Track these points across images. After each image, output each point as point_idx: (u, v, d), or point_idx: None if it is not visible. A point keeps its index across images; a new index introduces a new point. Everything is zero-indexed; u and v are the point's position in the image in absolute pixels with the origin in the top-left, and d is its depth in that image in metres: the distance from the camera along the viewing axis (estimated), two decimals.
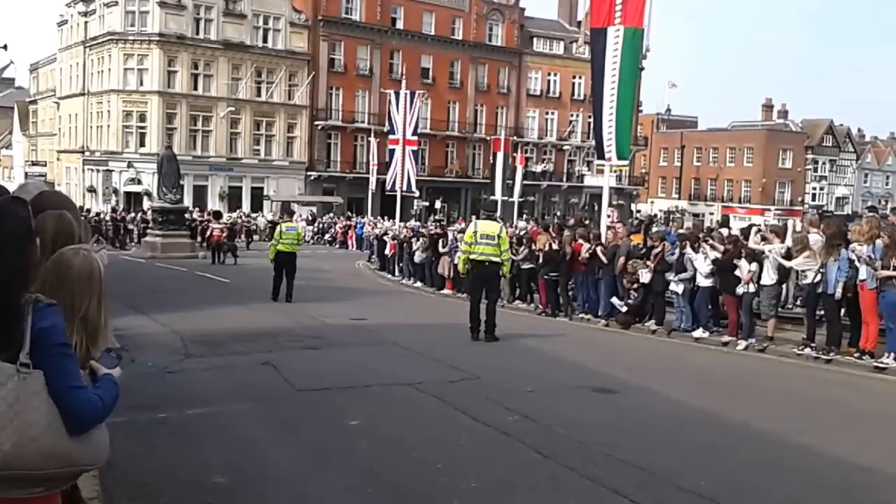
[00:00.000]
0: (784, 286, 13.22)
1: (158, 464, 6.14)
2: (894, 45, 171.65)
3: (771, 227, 14.69)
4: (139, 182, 49.46)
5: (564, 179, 65.41)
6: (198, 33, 50.62)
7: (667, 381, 9.99)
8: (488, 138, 57.11)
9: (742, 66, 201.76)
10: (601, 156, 18.69)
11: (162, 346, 11.33)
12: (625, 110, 17.64)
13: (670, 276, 13.93)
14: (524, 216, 42.57)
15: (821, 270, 11.50)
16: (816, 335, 11.76)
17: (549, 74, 64.45)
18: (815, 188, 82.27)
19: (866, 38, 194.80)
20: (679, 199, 77.96)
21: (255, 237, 41.21)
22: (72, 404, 2.55)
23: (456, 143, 60.99)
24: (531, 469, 6.14)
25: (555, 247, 16.20)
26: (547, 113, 64.90)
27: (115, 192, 50.10)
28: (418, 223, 31.81)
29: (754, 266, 12.32)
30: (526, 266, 17.50)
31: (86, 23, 53.91)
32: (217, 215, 33.47)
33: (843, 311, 11.63)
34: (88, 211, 39.00)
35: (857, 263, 11.02)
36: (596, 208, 54.12)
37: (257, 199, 52.81)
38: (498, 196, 41.00)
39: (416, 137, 35.39)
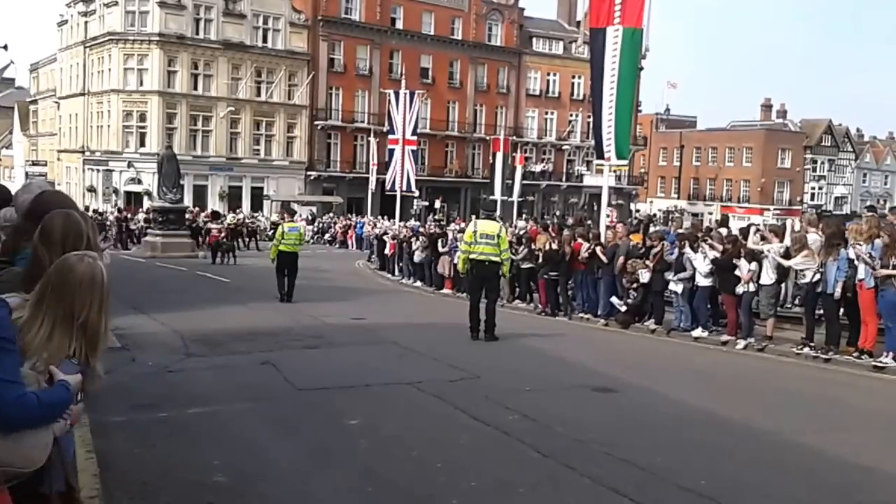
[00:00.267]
0: (783, 285, 13.24)
1: (159, 463, 6.15)
2: (893, 45, 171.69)
3: (770, 226, 14.71)
4: (139, 182, 49.46)
5: (564, 179, 65.42)
6: (198, 33, 50.62)
7: (666, 380, 10.00)
8: (488, 138, 57.10)
9: (741, 66, 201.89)
10: (600, 155, 18.70)
11: (162, 345, 11.34)
12: (624, 110, 17.65)
13: (669, 275, 13.95)
14: (523, 216, 42.59)
15: (820, 270, 11.51)
16: (815, 334, 11.78)
17: (548, 74, 64.46)
18: (813, 188, 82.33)
19: (865, 39, 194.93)
20: (678, 198, 78.01)
21: (257, 237, 41.14)
22: None
23: (455, 143, 61.00)
24: (531, 468, 6.15)
25: (554, 246, 16.21)
26: (546, 113, 64.90)
27: (116, 191, 50.13)
28: (418, 223, 31.82)
29: (754, 265, 12.34)
30: (525, 266, 17.51)
31: (86, 23, 53.91)
32: (215, 215, 33.43)
33: (841, 310, 11.64)
34: (96, 211, 38.99)
35: (856, 262, 11.03)
36: (595, 208, 54.15)
37: (257, 198, 52.82)
38: (497, 196, 40.99)
39: (415, 137, 35.42)
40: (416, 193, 39.96)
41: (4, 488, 2.63)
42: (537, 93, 64.13)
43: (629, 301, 14.75)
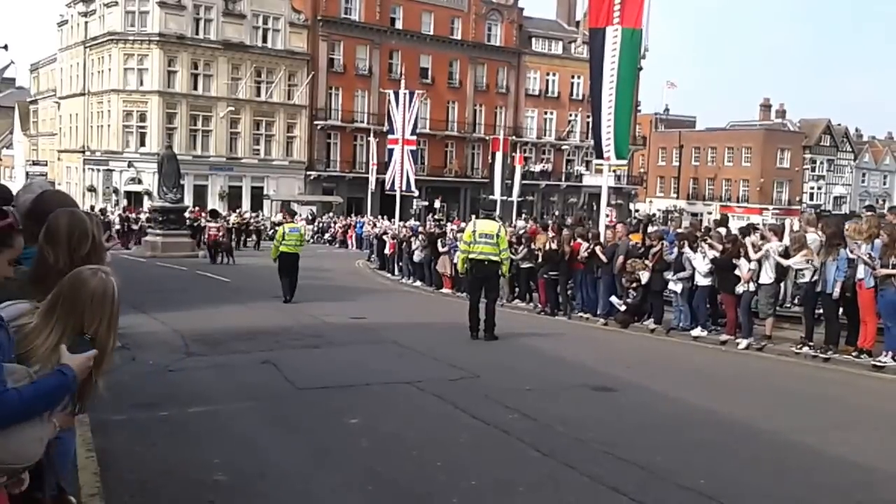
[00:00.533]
0: (782, 285, 13.25)
1: (159, 462, 6.16)
2: (893, 45, 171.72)
3: (769, 226, 14.72)
4: (139, 182, 49.49)
5: (563, 179, 65.44)
6: (197, 33, 50.64)
7: (666, 379, 10.02)
8: (487, 138, 57.12)
9: (740, 66, 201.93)
10: (600, 155, 18.70)
11: (162, 344, 11.34)
12: (623, 110, 17.65)
13: (669, 275, 13.96)
14: (523, 216, 42.60)
15: (815, 266, 11.51)
16: (815, 334, 11.79)
17: (547, 74, 64.47)
18: (812, 188, 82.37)
19: (864, 39, 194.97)
20: (677, 198, 78.02)
21: (260, 237, 41.14)
22: None
23: (455, 143, 61.00)
24: (531, 467, 6.16)
25: (554, 246, 16.22)
26: (546, 113, 64.92)
27: (116, 191, 50.16)
28: (417, 223, 31.83)
29: (754, 264, 12.35)
30: (525, 265, 17.52)
31: (86, 23, 53.93)
32: (213, 214, 33.38)
33: (840, 309, 11.65)
34: (102, 210, 38.97)
35: (855, 262, 11.03)
36: (594, 208, 54.19)
37: (257, 198, 52.84)
38: (497, 196, 41.01)
39: (414, 137, 35.41)
40: (416, 193, 39.96)
41: (3, 489, 2.62)
42: (537, 93, 64.15)
43: (628, 300, 14.76)
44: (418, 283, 23.11)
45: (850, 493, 5.94)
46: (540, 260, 16.72)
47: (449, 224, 28.45)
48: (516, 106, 63.27)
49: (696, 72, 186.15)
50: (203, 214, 36.63)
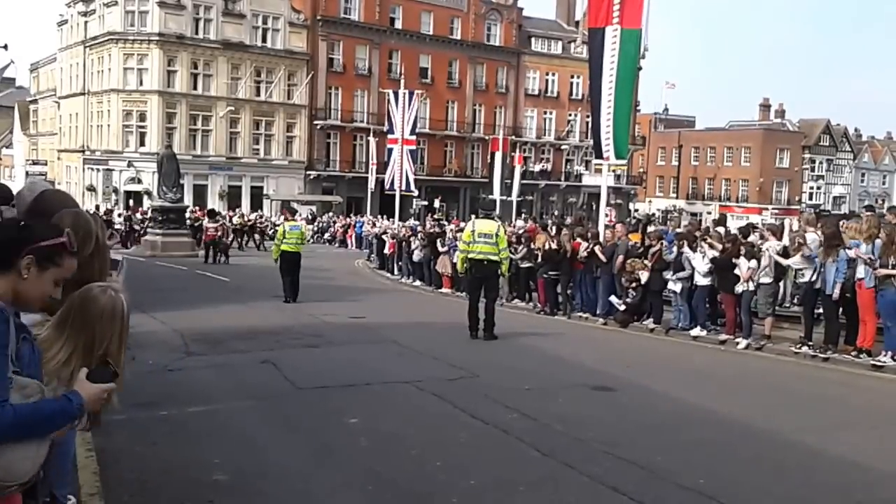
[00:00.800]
0: (781, 284, 13.26)
1: (159, 461, 6.16)
2: (892, 45, 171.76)
3: (767, 226, 14.73)
4: (139, 181, 49.49)
5: (562, 179, 65.45)
6: (197, 33, 50.64)
7: (665, 379, 10.02)
8: (487, 138, 57.15)
9: (740, 66, 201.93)
10: (599, 155, 18.71)
11: (162, 344, 11.33)
12: (623, 110, 17.65)
13: (668, 274, 13.96)
14: (522, 215, 42.60)
15: (819, 270, 11.52)
16: (814, 333, 11.79)
17: (547, 74, 64.48)
18: (812, 187, 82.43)
19: (864, 39, 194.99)
20: (677, 198, 78.05)
21: (264, 237, 41.13)
22: None
23: (454, 143, 61.00)
24: (530, 467, 6.16)
25: (553, 246, 16.22)
26: (545, 112, 64.93)
27: (115, 191, 50.17)
28: (417, 222, 31.83)
29: (754, 263, 12.35)
30: (525, 265, 17.53)
31: (86, 23, 53.93)
32: (211, 214, 33.32)
33: (840, 309, 11.65)
34: (107, 211, 38.93)
35: (855, 262, 11.03)
36: (594, 207, 54.20)
37: (257, 198, 52.83)
38: (496, 195, 41.04)
39: (414, 137, 35.41)
40: (416, 193, 39.97)
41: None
42: (536, 92, 64.17)
43: (628, 300, 14.77)
44: (418, 282, 23.12)
45: (849, 492, 5.95)
46: (539, 260, 16.73)
47: (450, 224, 28.43)
48: (516, 106, 63.27)
49: (696, 72, 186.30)
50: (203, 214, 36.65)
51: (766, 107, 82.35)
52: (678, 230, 16.74)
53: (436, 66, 58.68)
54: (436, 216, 36.63)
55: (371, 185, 48.99)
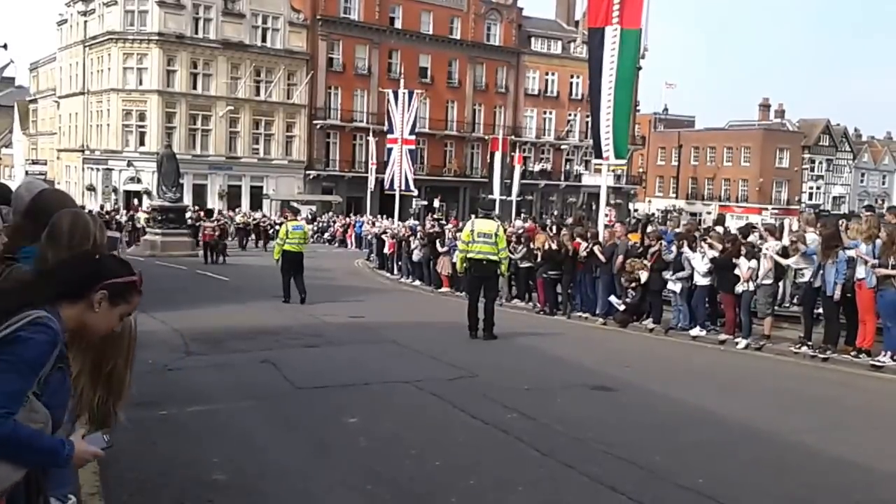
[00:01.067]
0: (780, 284, 13.26)
1: (159, 461, 6.15)
2: (892, 45, 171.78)
3: (765, 226, 14.74)
4: (139, 181, 49.49)
5: (562, 179, 65.48)
6: (197, 33, 50.64)
7: (664, 379, 10.02)
8: (486, 138, 57.17)
9: (740, 66, 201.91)
10: (599, 155, 18.73)
11: (162, 343, 11.32)
12: (622, 109, 17.67)
13: (668, 274, 13.97)
14: (522, 215, 42.62)
15: (819, 271, 11.52)
16: (813, 333, 11.79)
17: (546, 74, 64.50)
18: (811, 187, 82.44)
19: (864, 39, 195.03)
20: (676, 198, 78.06)
21: (268, 237, 41.18)
22: None
23: (454, 143, 61.02)
24: (529, 467, 6.16)
25: (554, 246, 16.22)
26: (545, 112, 64.94)
27: (115, 190, 50.16)
28: (417, 222, 31.84)
29: (754, 263, 12.35)
30: (524, 265, 17.53)
31: (85, 22, 53.94)
32: (209, 214, 33.33)
33: (840, 309, 11.65)
34: (112, 211, 38.94)
35: (855, 262, 11.04)
36: (594, 207, 54.19)
37: (256, 198, 52.84)
38: (496, 195, 41.05)
39: (414, 137, 35.44)
40: (415, 193, 39.97)
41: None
42: (536, 92, 64.19)
43: (627, 300, 14.77)
44: (417, 282, 23.13)
45: (848, 492, 5.95)
46: (539, 259, 16.73)
47: (447, 224, 28.43)
48: (515, 105, 63.29)
49: (696, 72, 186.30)
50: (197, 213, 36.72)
51: (765, 107, 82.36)
52: (677, 230, 16.74)
53: (435, 65, 58.69)
54: (435, 216, 36.68)
55: (371, 184, 49.02)
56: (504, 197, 44.23)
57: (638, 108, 60.30)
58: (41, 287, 2.61)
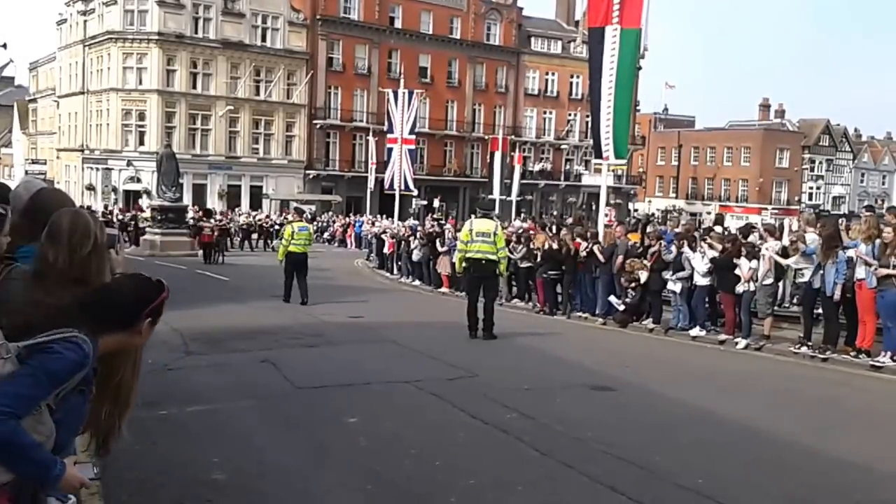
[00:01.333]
0: (780, 284, 13.26)
1: (158, 461, 6.15)
2: (892, 45, 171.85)
3: (765, 226, 14.74)
4: (138, 180, 49.48)
5: (562, 178, 65.46)
6: (196, 32, 50.63)
7: (664, 379, 10.02)
8: (486, 137, 57.15)
9: (739, 66, 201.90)
10: (599, 155, 18.73)
11: (162, 343, 11.29)
12: (622, 109, 17.66)
13: (668, 274, 13.97)
14: (522, 215, 42.62)
15: (819, 272, 11.51)
16: (813, 334, 11.79)
17: (546, 74, 64.49)
18: (811, 187, 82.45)
19: (864, 39, 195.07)
20: (676, 198, 78.05)
21: (272, 237, 41.16)
22: None
23: (454, 143, 61.01)
24: (529, 466, 6.16)
25: (554, 246, 16.22)
26: (545, 112, 64.94)
27: (115, 190, 50.15)
28: (416, 222, 31.84)
29: (755, 263, 12.35)
30: (524, 265, 17.53)
31: (85, 22, 53.92)
32: (207, 214, 33.26)
33: (839, 309, 11.65)
34: (112, 212, 38.90)
35: (855, 262, 11.04)
36: (593, 207, 54.20)
37: (256, 197, 52.82)
38: (496, 195, 41.04)
39: (413, 136, 35.43)
40: (415, 192, 39.96)
41: (4, 493, 2.57)
42: (536, 92, 64.17)
43: (627, 300, 14.77)
44: (417, 282, 23.12)
45: (848, 492, 5.95)
46: (539, 259, 16.73)
47: (445, 224, 28.43)
48: (515, 105, 63.28)
49: (696, 72, 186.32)
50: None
51: (765, 107, 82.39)
52: (677, 230, 16.75)
53: (435, 65, 58.68)
54: (435, 216, 36.70)
55: (370, 184, 49.01)
56: (504, 197, 44.20)
57: (638, 108, 60.28)
58: (86, 320, 2.63)
